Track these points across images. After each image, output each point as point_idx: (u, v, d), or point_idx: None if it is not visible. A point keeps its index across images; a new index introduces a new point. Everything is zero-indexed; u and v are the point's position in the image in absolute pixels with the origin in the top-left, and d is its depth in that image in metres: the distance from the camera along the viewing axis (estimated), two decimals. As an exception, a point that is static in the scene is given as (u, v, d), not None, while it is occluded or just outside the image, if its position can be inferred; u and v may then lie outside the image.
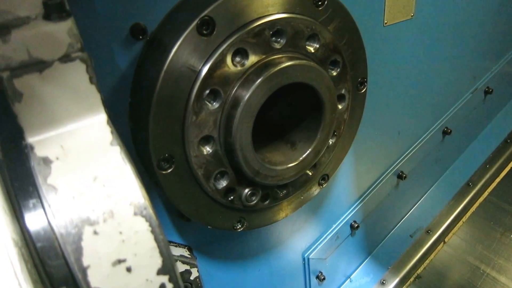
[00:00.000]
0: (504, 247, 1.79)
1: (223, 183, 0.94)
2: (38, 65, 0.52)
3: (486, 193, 2.09)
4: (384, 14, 1.32)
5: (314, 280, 1.66)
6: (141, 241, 0.49)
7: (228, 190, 0.96)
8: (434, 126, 1.89)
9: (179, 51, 0.77)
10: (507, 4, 1.94)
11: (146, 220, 0.50)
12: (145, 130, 0.80)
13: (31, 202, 0.47)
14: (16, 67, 0.50)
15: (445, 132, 1.94)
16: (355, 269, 1.89)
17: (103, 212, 0.49)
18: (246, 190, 0.99)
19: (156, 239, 0.50)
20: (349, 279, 1.86)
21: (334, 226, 1.63)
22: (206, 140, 0.87)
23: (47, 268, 0.45)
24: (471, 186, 2.11)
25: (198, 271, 1.06)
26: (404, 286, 1.82)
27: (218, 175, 0.93)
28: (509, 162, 2.19)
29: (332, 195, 1.53)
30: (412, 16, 1.42)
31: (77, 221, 0.47)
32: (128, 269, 0.49)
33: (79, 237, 0.47)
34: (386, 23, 1.34)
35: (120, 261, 0.48)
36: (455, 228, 1.97)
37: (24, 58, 0.51)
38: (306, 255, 1.57)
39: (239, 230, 1.06)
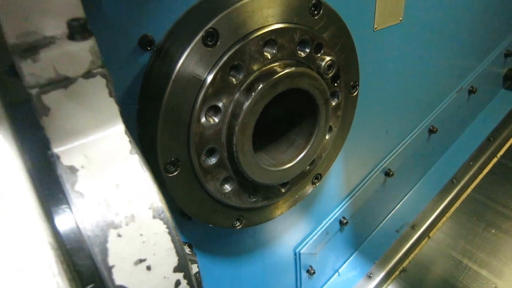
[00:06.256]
0: (486, 242, 1.86)
1: (224, 183, 0.99)
2: (64, 82, 0.56)
3: (469, 190, 2.16)
4: (374, 19, 1.37)
5: (304, 274, 1.72)
6: (160, 242, 0.55)
7: (229, 189, 1.01)
8: (421, 125, 1.96)
9: (186, 61, 0.81)
10: (490, 7, 2.00)
11: (164, 223, 0.55)
12: (152, 135, 0.85)
13: (61, 208, 0.52)
14: (44, 84, 0.55)
15: (431, 131, 2.00)
16: (343, 263, 1.96)
17: (125, 216, 0.54)
18: (245, 190, 1.05)
19: (172, 240, 0.56)
20: (337, 272, 1.94)
21: (324, 222, 1.69)
22: (209, 142, 0.92)
23: (77, 268, 0.50)
24: (455, 183, 2.17)
25: (198, 266, 1.11)
26: (390, 279, 1.88)
27: (220, 176, 0.98)
28: (492, 160, 2.25)
29: (323, 193, 1.59)
30: (400, 20, 1.48)
31: (103, 225, 0.52)
32: (148, 268, 0.54)
33: (104, 239, 0.52)
34: (376, 27, 1.39)
35: (141, 261, 0.54)
36: (439, 224, 2.04)
37: (51, 75, 0.55)
38: (297, 250, 1.63)
39: (237, 228, 1.12)
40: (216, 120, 0.90)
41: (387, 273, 1.90)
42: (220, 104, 0.89)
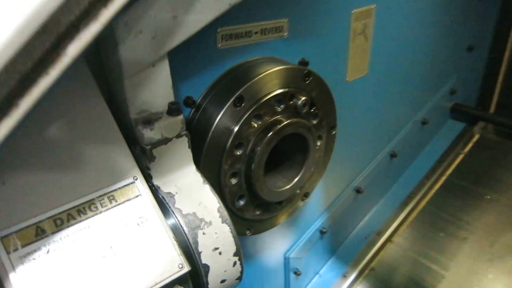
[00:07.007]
0: (436, 243, 2.19)
1: (242, 202, 1.34)
2: (166, 141, 0.92)
3: (424, 202, 2.49)
4: (346, 73, 1.76)
5: (292, 275, 2.00)
6: (226, 237, 0.91)
7: (245, 207, 1.36)
8: (384, 151, 2.31)
9: (221, 118, 1.16)
10: (438, 57, 2.43)
11: (228, 225, 0.92)
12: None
13: (170, 218, 0.87)
14: (155, 142, 0.90)
15: (392, 155, 2.35)
16: (323, 266, 2.24)
17: (206, 222, 0.90)
18: (256, 207, 1.41)
19: (233, 236, 0.92)
20: (318, 274, 2.22)
21: (308, 231, 1.99)
22: (233, 174, 1.27)
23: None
24: (413, 197, 2.49)
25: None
26: (361, 277, 2.18)
27: (239, 197, 1.32)
28: (441, 178, 2.63)
29: (307, 208, 1.92)
30: (366, 73, 1.86)
31: (194, 227, 0.88)
32: (220, 253, 0.90)
33: (195, 235, 0.88)
34: (348, 79, 1.77)
35: (216, 248, 0.90)
36: (400, 230, 2.34)
37: (159, 137, 0.90)
38: (287, 255, 1.92)
39: (248, 235, 1.47)
40: (239, 157, 1.25)
41: (359, 272, 2.19)
42: (242, 146, 1.23)
